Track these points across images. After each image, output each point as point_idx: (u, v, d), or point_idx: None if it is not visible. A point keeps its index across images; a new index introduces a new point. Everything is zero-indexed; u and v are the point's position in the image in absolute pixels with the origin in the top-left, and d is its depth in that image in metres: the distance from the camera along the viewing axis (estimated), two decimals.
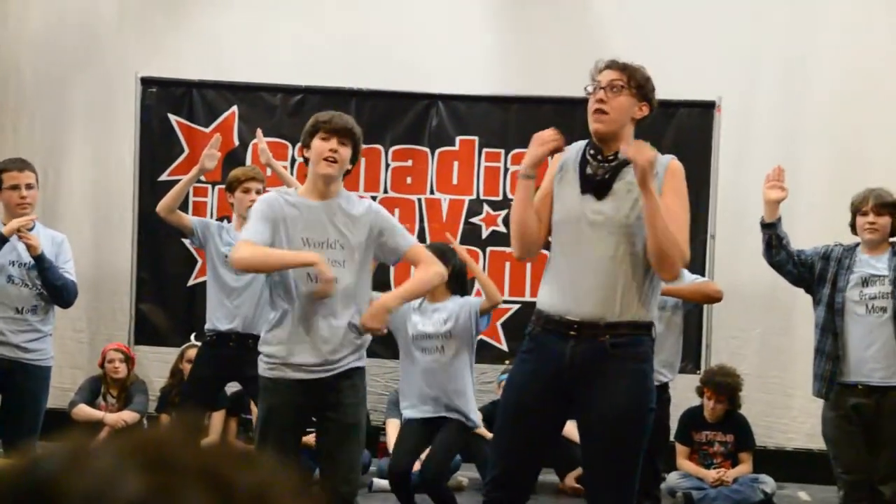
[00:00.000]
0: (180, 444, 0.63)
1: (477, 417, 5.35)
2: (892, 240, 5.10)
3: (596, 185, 3.57)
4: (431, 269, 4.09)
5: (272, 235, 3.99)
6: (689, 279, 5.27)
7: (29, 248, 5.08)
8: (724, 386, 6.64)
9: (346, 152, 4.06)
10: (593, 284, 3.50)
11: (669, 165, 3.57)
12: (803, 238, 5.55)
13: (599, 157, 3.61)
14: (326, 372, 4.06)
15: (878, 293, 4.97)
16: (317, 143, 4.05)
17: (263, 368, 4.08)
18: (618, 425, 3.49)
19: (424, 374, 5.21)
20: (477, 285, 5.68)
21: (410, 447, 5.27)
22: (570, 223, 3.60)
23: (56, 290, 5.20)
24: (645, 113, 3.63)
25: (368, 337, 4.13)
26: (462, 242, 7.05)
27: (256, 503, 0.61)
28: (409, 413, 5.30)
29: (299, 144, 4.20)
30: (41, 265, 5.12)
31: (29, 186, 5.20)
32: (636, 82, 3.60)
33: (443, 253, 5.21)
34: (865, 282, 4.99)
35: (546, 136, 3.64)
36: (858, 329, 4.96)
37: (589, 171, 3.60)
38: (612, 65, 3.63)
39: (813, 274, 5.08)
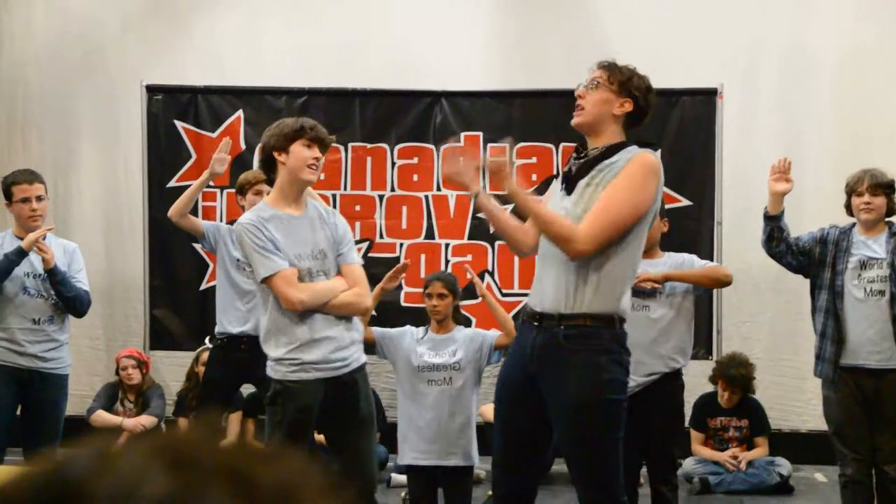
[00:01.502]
0: (205, 444, 0.63)
1: (476, 454, 5.23)
2: (888, 220, 5.08)
3: (564, 180, 3.64)
4: (361, 298, 4.14)
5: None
6: (698, 265, 5.26)
7: (43, 260, 5.10)
8: (737, 379, 6.65)
9: (321, 164, 4.10)
10: (552, 277, 3.56)
11: (634, 157, 3.54)
12: (810, 222, 5.53)
13: (575, 154, 3.67)
14: (344, 368, 4.09)
15: (876, 277, 4.94)
16: (300, 149, 4.02)
17: (283, 372, 4.07)
18: (571, 416, 3.51)
19: (430, 406, 5.08)
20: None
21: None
22: None
23: (69, 301, 5.22)
24: (627, 109, 3.61)
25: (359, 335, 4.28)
26: (470, 238, 7.06)
27: (281, 501, 0.61)
28: (409, 456, 5.09)
29: (271, 146, 4.10)
30: (54, 278, 5.14)
31: (39, 198, 5.21)
32: (616, 79, 3.61)
33: (452, 284, 5.16)
34: (864, 265, 4.97)
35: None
36: (857, 312, 4.94)
37: (565, 168, 3.68)
38: (598, 64, 3.68)
39: (812, 260, 5.06)
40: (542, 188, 6.77)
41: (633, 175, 3.48)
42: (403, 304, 6.86)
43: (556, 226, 3.49)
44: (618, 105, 3.60)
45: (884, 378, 4.92)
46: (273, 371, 4.10)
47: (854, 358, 4.95)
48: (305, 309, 3.99)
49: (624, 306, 3.56)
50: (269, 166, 4.12)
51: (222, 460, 0.62)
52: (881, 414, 4.95)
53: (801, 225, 5.24)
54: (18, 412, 5.31)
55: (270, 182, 4.21)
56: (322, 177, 6.93)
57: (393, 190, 7.08)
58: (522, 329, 3.70)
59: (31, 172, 5.35)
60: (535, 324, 3.57)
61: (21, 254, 5.08)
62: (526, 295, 6.95)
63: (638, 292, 5.00)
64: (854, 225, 5.08)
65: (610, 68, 3.63)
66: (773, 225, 5.03)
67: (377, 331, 5.09)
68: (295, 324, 4.03)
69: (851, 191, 5.07)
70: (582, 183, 3.55)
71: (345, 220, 4.29)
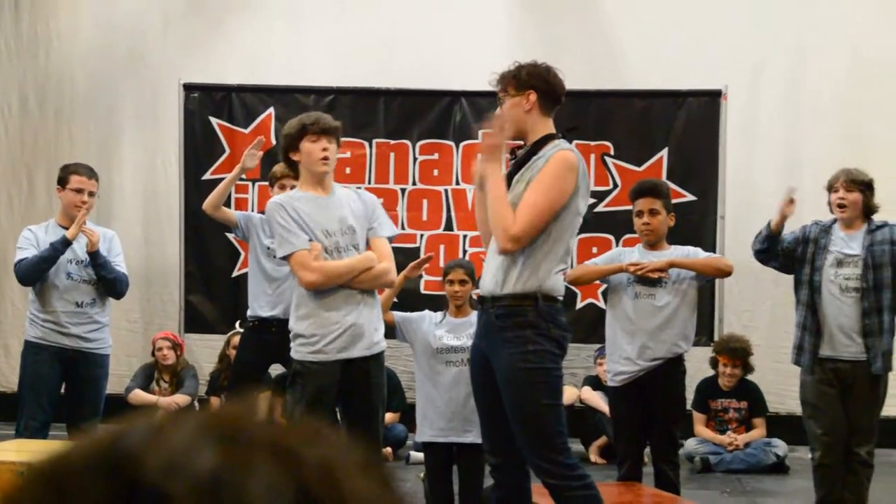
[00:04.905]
0: (251, 420, 0.62)
1: None
2: (873, 217, 5.03)
3: (507, 180, 3.71)
4: (385, 271, 4.15)
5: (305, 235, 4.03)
6: (702, 256, 5.24)
7: (89, 243, 5.13)
8: (738, 351, 6.67)
9: (334, 149, 4.12)
10: (490, 264, 3.70)
11: (553, 155, 3.62)
12: (809, 219, 5.48)
13: (510, 154, 3.79)
14: (362, 352, 4.08)
15: (851, 274, 4.93)
16: (307, 145, 4.07)
17: (303, 353, 4.07)
18: (505, 389, 3.61)
19: (448, 386, 5.02)
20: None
21: (443, 483, 5.08)
22: None
23: (110, 283, 5.26)
24: (533, 100, 3.67)
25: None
26: None
27: (324, 477, 0.60)
28: (428, 434, 5.00)
29: (285, 148, 4.16)
30: (96, 260, 5.17)
31: (91, 194, 5.27)
32: (508, 83, 3.71)
33: (471, 272, 5.10)
34: (840, 263, 4.95)
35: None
36: (833, 308, 4.94)
37: (507, 169, 3.78)
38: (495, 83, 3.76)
39: (794, 258, 5.06)
40: None
41: (550, 172, 3.58)
42: (423, 291, 6.86)
43: (505, 220, 3.57)
44: (524, 102, 3.67)
45: (858, 367, 4.93)
46: (295, 352, 4.11)
47: (831, 350, 4.96)
48: (318, 288, 4.01)
49: (550, 285, 3.62)
50: (291, 165, 4.23)
51: (268, 436, 0.61)
52: (856, 400, 4.95)
53: (802, 222, 5.20)
54: (63, 390, 5.34)
55: (297, 176, 4.26)
56: (347, 171, 6.94)
57: (414, 184, 7.07)
58: (479, 314, 3.88)
59: (91, 169, 5.41)
60: (480, 306, 3.77)
61: (66, 243, 5.11)
62: None
63: (644, 281, 4.99)
64: (836, 220, 5.05)
65: (500, 80, 3.74)
66: (774, 240, 5.04)
67: (398, 315, 5.08)
68: (317, 304, 4.03)
69: (829, 188, 5.07)
70: (514, 180, 3.66)
71: (373, 196, 4.32)
